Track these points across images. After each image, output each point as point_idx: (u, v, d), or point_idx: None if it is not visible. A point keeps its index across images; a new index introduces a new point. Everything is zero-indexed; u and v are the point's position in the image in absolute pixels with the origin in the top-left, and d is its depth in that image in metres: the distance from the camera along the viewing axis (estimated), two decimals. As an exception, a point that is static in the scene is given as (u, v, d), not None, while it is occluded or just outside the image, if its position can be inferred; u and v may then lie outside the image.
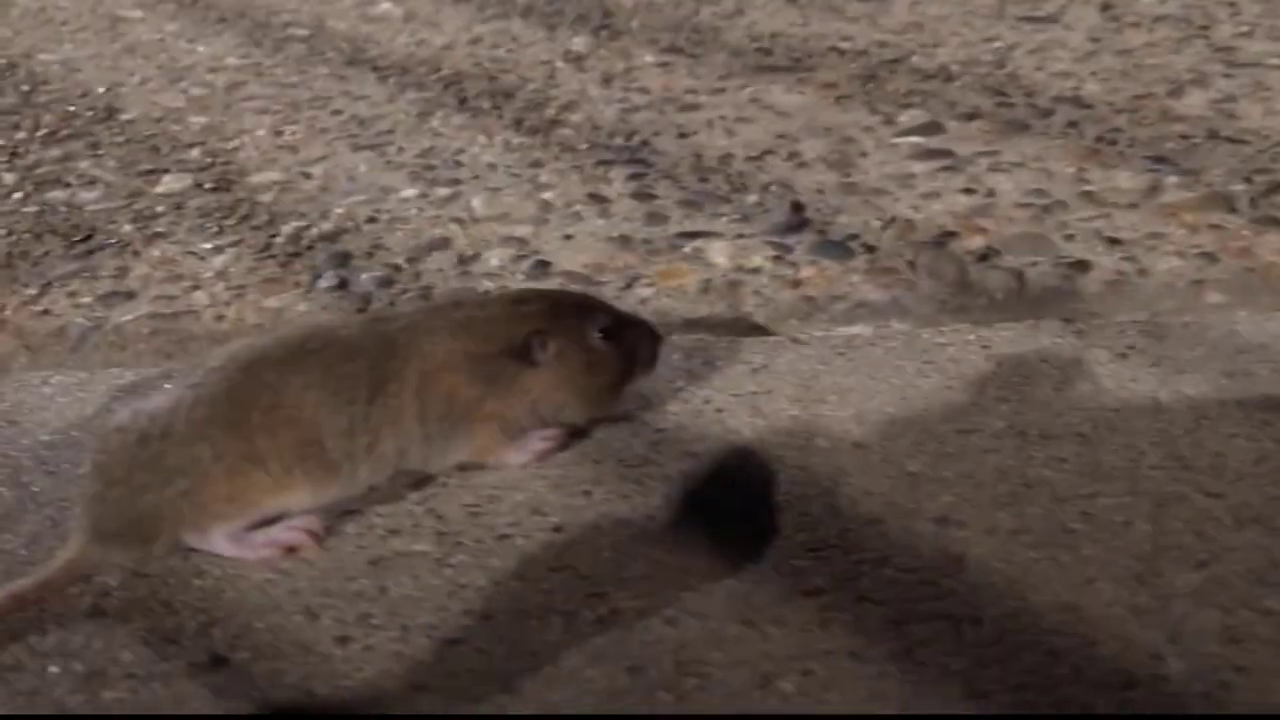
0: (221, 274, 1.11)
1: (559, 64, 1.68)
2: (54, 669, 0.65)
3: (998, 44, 1.61)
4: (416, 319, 0.76)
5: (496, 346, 0.75)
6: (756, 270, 1.06)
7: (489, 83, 1.61)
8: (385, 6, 2.07)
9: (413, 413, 0.74)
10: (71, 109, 1.57)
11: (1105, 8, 1.74)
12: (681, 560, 0.71)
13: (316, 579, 0.70)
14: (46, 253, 1.16)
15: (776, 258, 1.08)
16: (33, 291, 1.09)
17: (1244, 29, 1.58)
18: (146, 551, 0.70)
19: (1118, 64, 1.49)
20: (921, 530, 0.72)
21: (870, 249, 1.08)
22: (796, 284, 1.04)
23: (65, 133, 1.48)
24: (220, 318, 1.04)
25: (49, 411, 0.90)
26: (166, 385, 0.73)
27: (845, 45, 1.66)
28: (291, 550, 0.71)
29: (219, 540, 0.70)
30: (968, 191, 1.17)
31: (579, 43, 1.77)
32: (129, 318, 1.04)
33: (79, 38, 1.94)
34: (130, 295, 1.08)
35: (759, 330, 0.98)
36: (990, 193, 1.16)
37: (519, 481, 0.78)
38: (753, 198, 1.19)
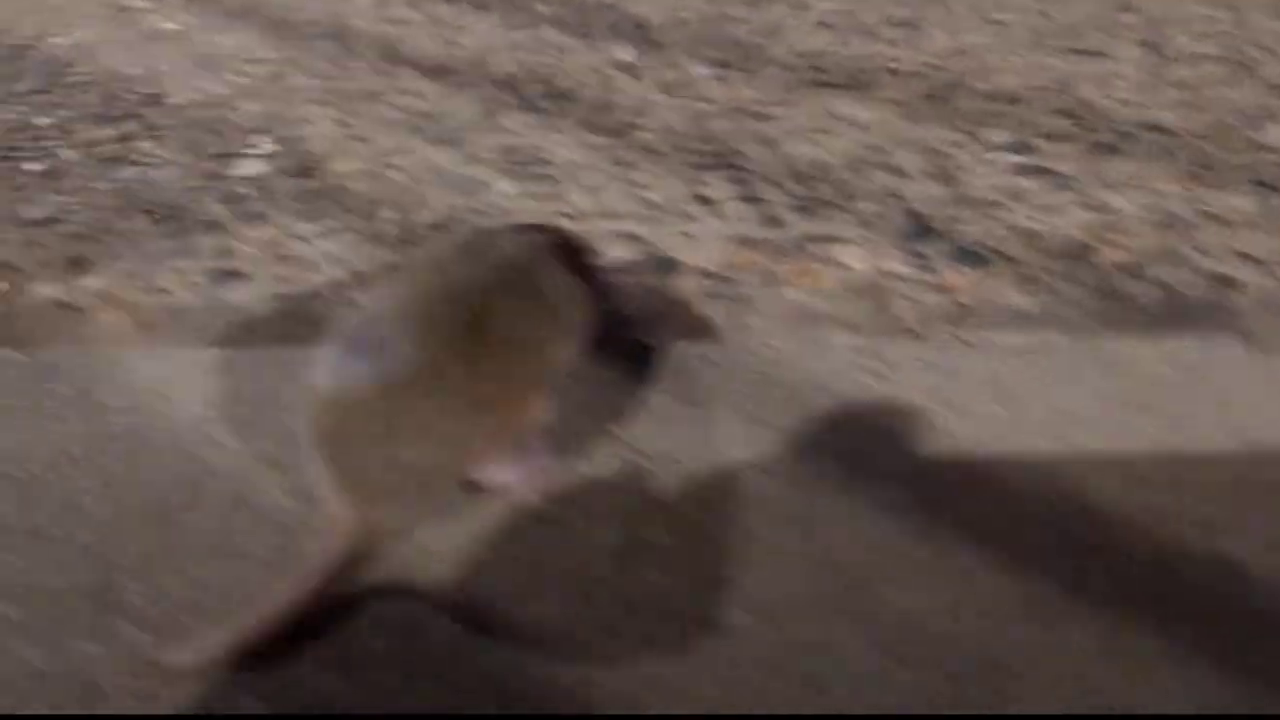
0: (336, 259, 1.05)
1: (610, 71, 1.65)
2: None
3: (1053, 72, 1.63)
4: (514, 247, 0.76)
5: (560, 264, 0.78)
6: (898, 275, 1.04)
7: (544, 86, 1.57)
8: (402, 10, 2.02)
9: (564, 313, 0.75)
10: (110, 91, 1.49)
11: (1144, 44, 1.77)
12: (964, 561, 0.69)
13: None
14: (137, 230, 1.09)
15: (915, 263, 1.06)
16: (135, 267, 1.02)
17: (1292, 69, 1.63)
18: (427, 505, 0.67)
19: (1181, 96, 1.52)
20: (1189, 537, 0.70)
21: (1007, 258, 1.07)
22: (944, 289, 1.02)
23: (114, 113, 1.40)
24: (350, 302, 0.98)
25: (200, 387, 0.84)
26: (351, 342, 0.67)
27: (895, 66, 1.66)
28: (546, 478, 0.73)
29: (503, 470, 0.69)
30: (1086, 207, 1.16)
31: (623, 52, 1.74)
32: (247, 298, 0.98)
33: (89, 23, 1.86)
34: (242, 276, 1.01)
35: (913, 334, 0.96)
36: (1109, 209, 1.16)
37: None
38: (866, 205, 1.18)
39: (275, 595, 0.60)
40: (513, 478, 0.71)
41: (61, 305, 0.96)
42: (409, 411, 0.64)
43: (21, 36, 1.77)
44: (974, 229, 1.12)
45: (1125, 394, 0.85)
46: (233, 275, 1.01)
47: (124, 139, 1.32)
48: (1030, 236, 1.10)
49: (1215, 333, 0.94)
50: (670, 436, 0.79)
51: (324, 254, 1.06)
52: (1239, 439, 0.79)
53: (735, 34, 1.85)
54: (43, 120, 1.37)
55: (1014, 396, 0.84)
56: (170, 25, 1.85)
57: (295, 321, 0.96)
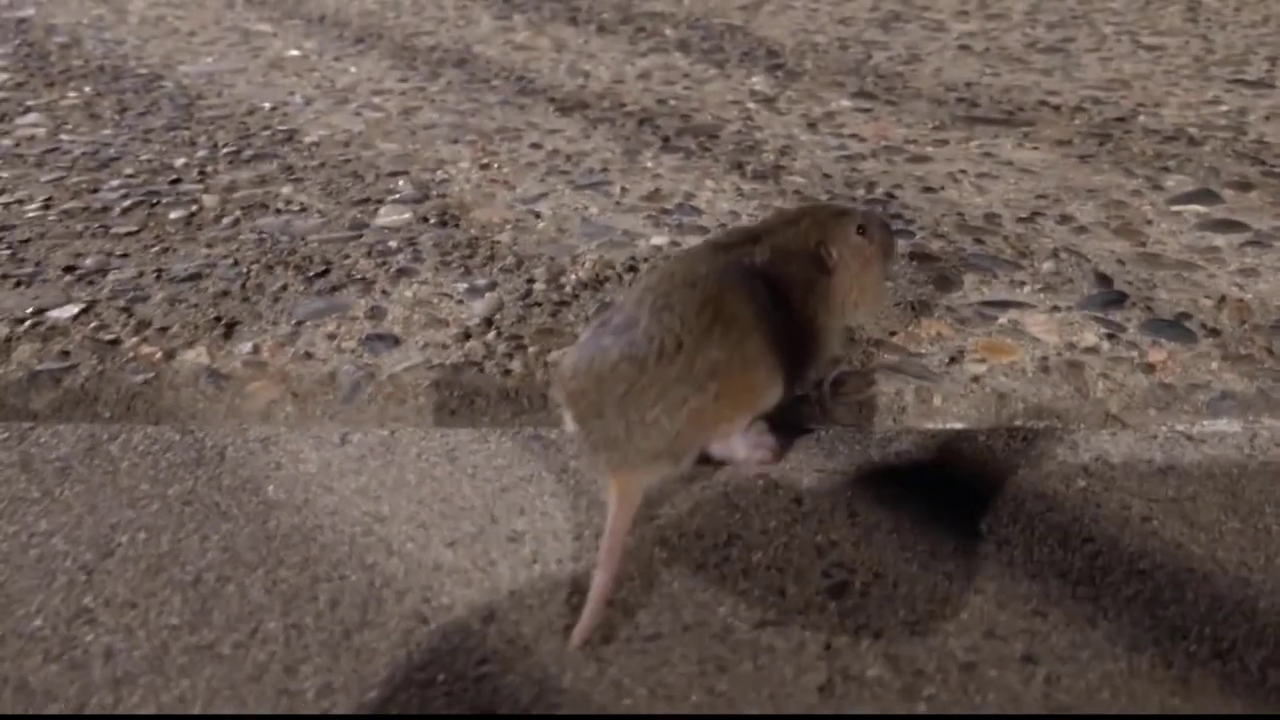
0: (489, 321, 1.00)
1: (750, 104, 1.58)
2: None
3: (1224, 107, 1.53)
4: (756, 249, 0.81)
5: (806, 264, 0.82)
6: (1093, 350, 0.96)
7: (683, 121, 1.51)
8: (526, 34, 1.97)
9: (799, 322, 0.80)
10: (245, 125, 1.46)
11: (1323, 75, 1.66)
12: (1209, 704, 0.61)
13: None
14: (284, 287, 1.05)
15: (1110, 336, 0.98)
16: (285, 330, 0.97)
17: None
18: (676, 467, 0.74)
19: (1374, 137, 1.41)
20: None
21: (1213, 331, 0.98)
22: (1149, 368, 0.93)
23: (250, 153, 1.37)
24: (507, 372, 0.93)
25: (365, 476, 0.78)
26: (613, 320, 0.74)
27: (1054, 99, 1.57)
28: (774, 457, 0.81)
29: (737, 443, 0.78)
30: (1292, 270, 1.07)
31: (760, 82, 1.67)
32: (403, 366, 0.93)
33: (215, 50, 1.83)
34: (396, 341, 0.97)
35: (1122, 423, 0.88)
36: (1319, 273, 1.07)
37: (954, 596, 0.68)
38: (1046, 265, 1.09)
39: (599, 568, 0.68)
40: (743, 452, 0.79)
41: (213, 374, 0.92)
42: (652, 380, 0.71)
43: (150, 65, 1.75)
44: (1172, 296, 1.04)
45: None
46: (385, 339, 0.96)
47: (263, 182, 1.28)
48: (1239, 306, 1.01)
49: None
50: (870, 544, 0.73)
51: (478, 316, 1.00)
52: None
53: (874, 61, 1.77)
54: (179, 160, 1.34)
55: (1249, 504, 0.76)
56: (294, 52, 1.82)
57: (453, 395, 0.90)
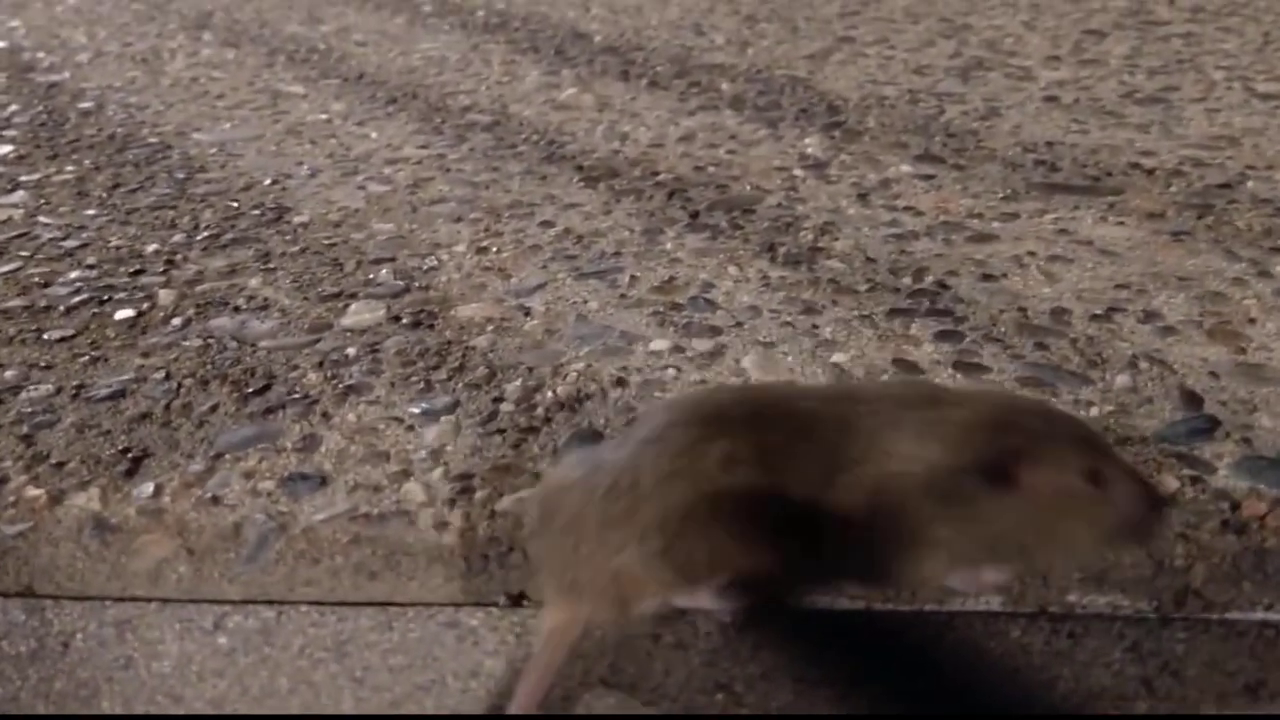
0: (437, 454, 0.85)
1: (797, 171, 1.41)
2: None
3: (1353, 171, 1.31)
4: (885, 405, 0.65)
5: (965, 459, 0.61)
6: (1170, 498, 0.76)
7: (718, 192, 1.34)
8: (571, 92, 1.83)
9: (861, 515, 0.62)
10: (234, 204, 1.34)
11: None
12: None
13: None
14: (214, 407, 0.91)
15: (1195, 479, 0.78)
16: (198, 467, 0.83)
17: None
18: (626, 611, 0.65)
19: None
20: None
21: (1327, 473, 0.78)
22: (1240, 529, 0.74)
23: (229, 237, 1.24)
24: (442, 525, 0.77)
25: (225, 679, 0.63)
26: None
27: (1148, 162, 1.37)
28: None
29: (707, 597, 0.66)
30: None
31: (813, 144, 1.50)
32: (322, 516, 0.78)
33: (238, 115, 1.72)
34: (322, 480, 0.82)
35: (1204, 602, 0.68)
36: None
37: None
38: (1121, 379, 0.90)
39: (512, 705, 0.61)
40: (711, 606, 0.67)
41: (100, 524, 0.78)
42: (594, 513, 0.63)
43: (163, 133, 1.64)
44: (1276, 421, 0.84)
45: None
46: (310, 479, 0.81)
47: (232, 272, 1.15)
48: (1358, 437, 0.81)
49: None
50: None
51: (428, 449, 0.85)
52: None
53: (946, 117, 1.58)
54: (150, 246, 1.22)
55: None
56: (319, 116, 1.70)
57: (376, 553, 0.75)
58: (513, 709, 0.61)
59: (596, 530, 0.63)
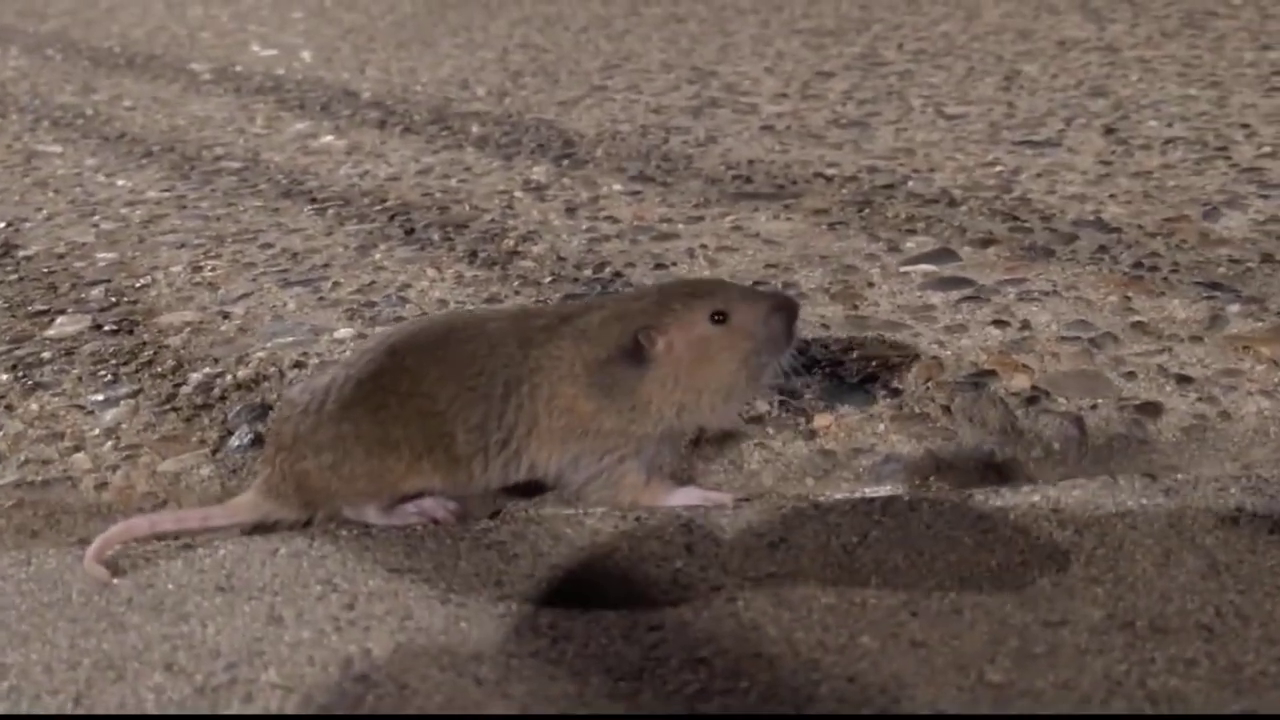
0: (111, 431, 0.91)
1: (518, 193, 1.52)
2: None
3: (999, 168, 1.47)
4: (556, 320, 0.74)
5: (606, 350, 0.72)
6: (759, 419, 0.88)
7: (439, 213, 1.44)
8: (326, 139, 1.91)
9: (545, 424, 0.73)
10: (-37, 245, 1.38)
11: (1109, 131, 1.61)
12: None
13: None
14: (-100, 407, 0.96)
15: (783, 403, 0.90)
16: (-124, 454, 0.88)
17: (1266, 149, 1.46)
18: (309, 513, 0.75)
19: (1136, 186, 1.35)
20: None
21: (894, 392, 0.90)
22: (811, 435, 0.86)
23: (-51, 270, 1.29)
24: (103, 485, 0.84)
25: None
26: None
27: (832, 171, 1.52)
28: (435, 521, 0.76)
29: (369, 512, 0.76)
30: (998, 324, 1.00)
31: (539, 172, 1.62)
32: (-12, 486, 0.84)
33: (-12, 172, 1.77)
34: (-7, 458, 0.88)
35: (766, 495, 0.79)
36: (1025, 325, 0.99)
37: (474, 704, 0.58)
38: (747, 334, 1.02)
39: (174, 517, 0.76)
40: (375, 520, 0.76)
41: None
42: (289, 428, 0.74)
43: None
44: (866, 358, 0.96)
45: (998, 564, 0.68)
46: (-17, 458, 0.87)
47: (-55, 299, 1.20)
48: (931, 365, 0.94)
49: (1123, 475, 0.76)
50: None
51: (103, 428, 0.92)
52: (1120, 622, 0.61)
53: (669, 146, 1.72)
54: None
55: (854, 577, 0.68)
56: (71, 170, 1.75)
57: (37, 514, 0.81)
58: (155, 517, 0.75)
59: (291, 441, 0.73)
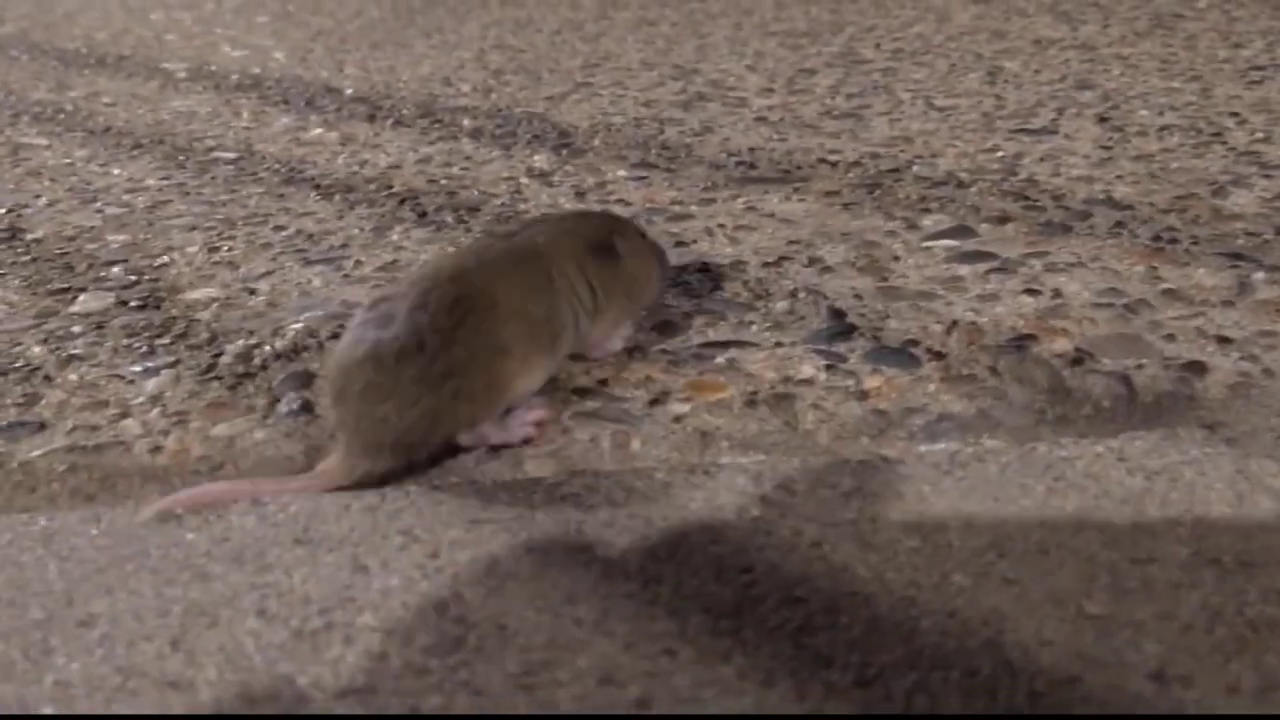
0: (156, 399, 0.91)
1: (523, 179, 1.52)
2: None
3: (1000, 153, 1.50)
4: (535, 233, 0.89)
5: (591, 250, 0.90)
6: (809, 381, 0.89)
7: (448, 198, 1.44)
8: (317, 132, 1.91)
9: (573, 295, 0.87)
10: (-34, 230, 1.36)
11: (1103, 119, 1.65)
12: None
13: None
14: (-65, 380, 0.94)
15: (829, 367, 0.91)
16: (-83, 424, 0.87)
17: (1260, 135, 1.49)
18: (410, 457, 0.77)
19: (1140, 169, 1.38)
20: (1138, 690, 0.54)
21: (938, 355, 0.92)
22: (863, 395, 0.87)
23: (-41, 252, 1.27)
24: (157, 449, 0.83)
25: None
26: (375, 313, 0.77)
27: (835, 157, 1.54)
28: (542, 425, 0.83)
29: (488, 431, 0.80)
30: (1030, 293, 1.02)
31: (540, 160, 1.62)
32: (39, 452, 0.83)
33: (-25, 163, 1.74)
34: (41, 426, 0.87)
35: (827, 452, 0.80)
36: (1057, 293, 1.01)
37: (577, 642, 0.59)
38: (781, 304, 1.03)
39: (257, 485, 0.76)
40: (494, 439, 0.80)
41: None
42: (390, 378, 0.75)
43: (-102, 180, 1.65)
44: (904, 325, 0.98)
45: (1075, 508, 0.69)
46: (29, 425, 0.86)
47: (-40, 279, 1.18)
48: (970, 329, 0.95)
49: (1180, 428, 0.78)
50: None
51: (147, 395, 0.91)
52: (1206, 558, 0.63)
53: (665, 136, 1.73)
54: (-123, 263, 1.24)
55: (931, 521, 0.68)
56: (63, 161, 1.73)
57: (92, 478, 0.80)
58: (239, 484, 0.76)
59: (393, 388, 0.75)
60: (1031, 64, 2.14)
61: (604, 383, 0.90)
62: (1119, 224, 1.18)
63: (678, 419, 0.85)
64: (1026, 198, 1.30)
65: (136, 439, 0.85)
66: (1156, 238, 1.13)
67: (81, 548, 0.70)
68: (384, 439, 0.76)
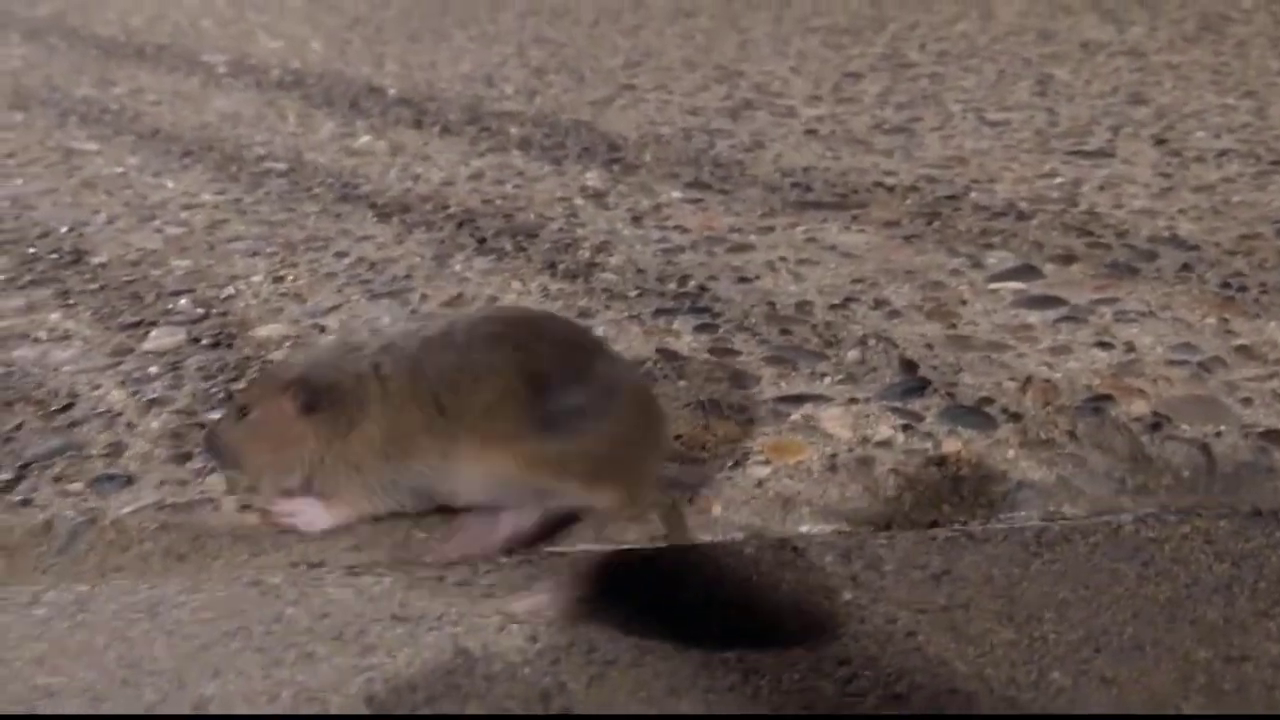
0: (239, 452, 0.91)
1: (578, 200, 1.52)
2: None
3: (1059, 179, 1.50)
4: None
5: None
6: (887, 444, 0.90)
7: (505, 221, 1.45)
8: (365, 139, 1.91)
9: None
10: (32, 250, 1.37)
11: (1160, 142, 1.64)
12: None
13: None
14: (20, 425, 0.96)
15: (906, 427, 0.91)
16: (7, 476, 0.88)
17: (1320, 164, 1.49)
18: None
19: (1203, 201, 1.38)
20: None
21: (1014, 416, 0.92)
22: (941, 461, 0.87)
23: (27, 279, 1.28)
24: (245, 508, 0.84)
25: (43, 642, 0.69)
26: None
27: (890, 180, 1.54)
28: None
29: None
30: (1102, 345, 1.02)
31: (593, 177, 1.62)
32: (129, 509, 0.84)
33: (29, 171, 1.75)
34: (129, 480, 0.88)
35: (912, 524, 0.81)
36: (1130, 347, 1.02)
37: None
38: (851, 353, 1.03)
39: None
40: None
41: (-88, 530, 0.82)
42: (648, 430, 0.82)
43: (-46, 190, 1.66)
44: (977, 380, 0.98)
45: (1167, 599, 0.70)
46: (117, 479, 0.88)
47: (31, 309, 1.19)
48: (1045, 387, 0.96)
49: (1262, 504, 0.78)
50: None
51: (228, 446, 0.92)
52: (1312, 670, 0.64)
53: (716, 150, 1.73)
54: (-53, 292, 1.25)
55: (1026, 610, 0.69)
56: (114, 169, 1.74)
57: (182, 537, 0.82)
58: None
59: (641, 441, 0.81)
60: (1081, 72, 2.13)
61: (678, 438, 0.91)
62: (1186, 266, 1.18)
63: (759, 483, 0.85)
64: (1089, 233, 1.30)
65: (224, 495, 0.86)
66: (1225, 284, 1.13)
67: (185, 621, 0.72)
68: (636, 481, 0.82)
